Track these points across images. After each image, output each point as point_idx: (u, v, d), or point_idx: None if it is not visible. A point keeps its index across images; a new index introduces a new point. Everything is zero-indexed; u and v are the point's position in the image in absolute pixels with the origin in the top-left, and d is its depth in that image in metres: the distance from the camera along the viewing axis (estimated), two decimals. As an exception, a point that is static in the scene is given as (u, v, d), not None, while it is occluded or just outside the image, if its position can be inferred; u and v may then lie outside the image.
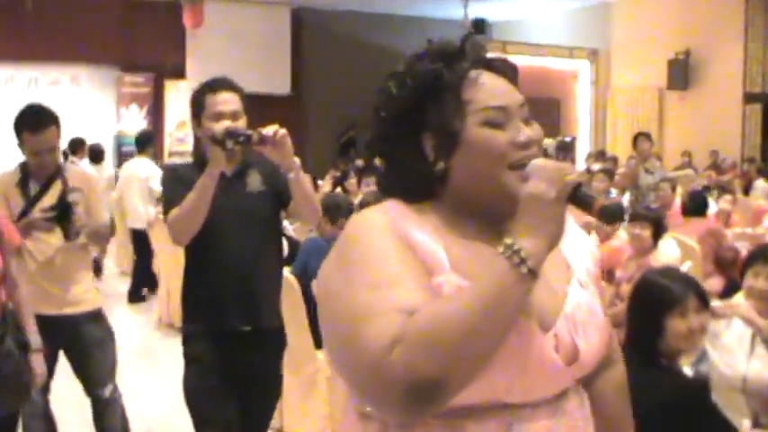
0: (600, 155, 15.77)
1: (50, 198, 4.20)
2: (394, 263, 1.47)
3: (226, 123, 3.42)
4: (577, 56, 21.15)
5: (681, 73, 17.90)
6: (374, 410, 1.51)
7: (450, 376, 1.35)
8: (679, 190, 9.66)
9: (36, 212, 4.14)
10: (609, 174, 10.62)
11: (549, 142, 15.48)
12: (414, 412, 1.39)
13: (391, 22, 20.57)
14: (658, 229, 5.92)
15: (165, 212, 3.58)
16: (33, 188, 4.25)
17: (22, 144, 4.19)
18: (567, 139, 17.69)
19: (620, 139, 15.89)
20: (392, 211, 1.57)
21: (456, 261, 1.51)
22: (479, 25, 19.96)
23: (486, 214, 1.60)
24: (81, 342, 4.40)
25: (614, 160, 14.49)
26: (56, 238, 4.20)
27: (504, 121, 1.57)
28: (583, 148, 19.66)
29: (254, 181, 3.63)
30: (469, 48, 1.65)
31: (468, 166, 1.57)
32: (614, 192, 9.95)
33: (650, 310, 3.08)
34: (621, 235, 6.53)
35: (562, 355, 1.54)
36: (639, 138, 10.53)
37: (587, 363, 1.60)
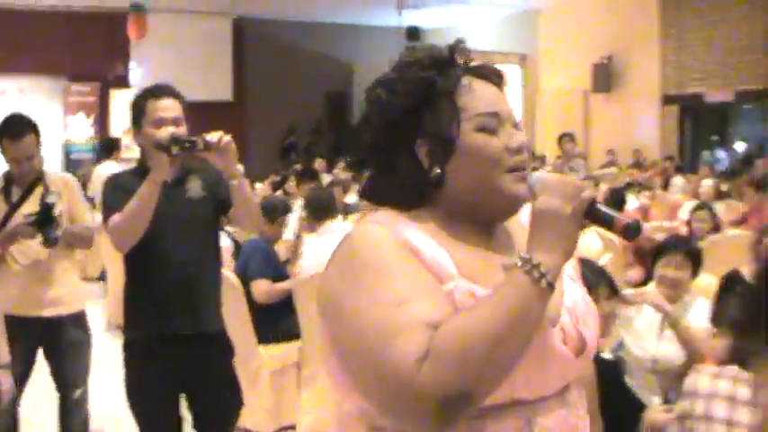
0: (530, 155, 15.95)
1: (32, 205, 4.29)
2: (408, 276, 1.48)
3: (170, 129, 3.42)
4: (507, 61, 21.06)
5: (604, 76, 18.59)
6: (402, 425, 1.47)
7: (478, 387, 1.40)
8: (604, 187, 10.14)
9: (18, 218, 4.25)
10: (538, 173, 11.52)
11: None
12: (444, 424, 1.40)
13: (329, 30, 21.17)
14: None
15: (105, 219, 3.54)
16: (16, 194, 4.36)
17: (3, 152, 4.33)
18: None
19: (549, 140, 15.80)
20: (390, 221, 1.58)
21: (461, 265, 1.55)
22: (413, 33, 20.78)
23: (482, 218, 1.65)
24: (60, 344, 4.47)
25: (542, 159, 15.07)
26: (39, 241, 4.26)
27: (496, 126, 1.61)
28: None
29: (195, 187, 3.61)
30: (458, 55, 1.68)
31: (464, 171, 1.60)
32: None
33: None
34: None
35: (570, 347, 1.59)
36: (563, 138, 10.99)
37: (592, 353, 1.67)
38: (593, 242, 6.62)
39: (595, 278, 3.27)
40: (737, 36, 15.94)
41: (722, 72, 16.34)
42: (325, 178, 11.65)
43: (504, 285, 1.45)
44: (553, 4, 19.50)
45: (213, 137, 3.38)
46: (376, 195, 1.70)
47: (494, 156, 1.59)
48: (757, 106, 17.14)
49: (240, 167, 3.55)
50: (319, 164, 14.92)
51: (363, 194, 1.74)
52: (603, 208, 1.55)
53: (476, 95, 1.62)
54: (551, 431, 1.56)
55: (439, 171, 1.60)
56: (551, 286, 1.45)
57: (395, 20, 19.13)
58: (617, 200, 8.18)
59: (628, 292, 4.27)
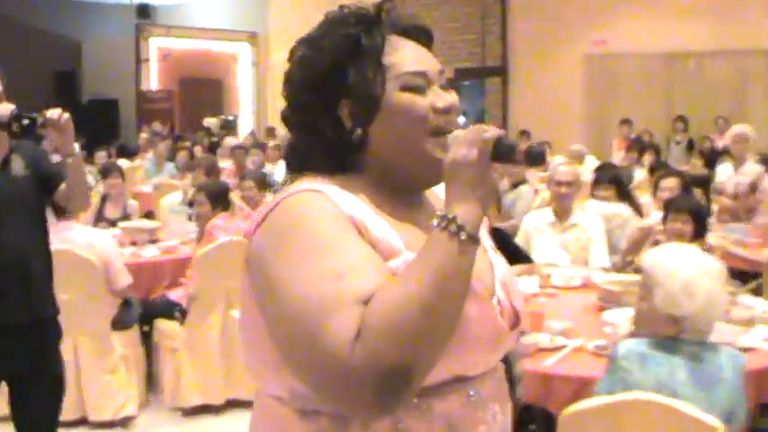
0: (270, 131, 17.16)
1: None
2: (350, 249, 1.40)
3: (10, 106, 3.28)
4: (238, 38, 22.43)
5: None
6: (341, 409, 1.39)
7: (416, 361, 1.31)
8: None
9: None
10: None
11: (212, 121, 14.55)
12: (387, 406, 1.32)
13: (53, 6, 20.25)
14: None
15: None
16: None
17: None
18: (230, 117, 19.41)
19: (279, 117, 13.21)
20: (331, 192, 1.48)
21: (404, 239, 1.49)
22: (144, 10, 20.64)
23: (407, 184, 1.59)
24: None
25: (271, 131, 16.72)
26: None
27: (424, 86, 1.55)
28: (246, 126, 19.36)
29: (18, 166, 3.44)
30: (386, 13, 1.62)
31: (388, 131, 1.54)
32: (269, 165, 11.17)
33: None
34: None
35: (506, 319, 1.57)
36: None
37: (524, 325, 1.66)
38: None
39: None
40: (456, 17, 18.00)
41: (442, 51, 16.77)
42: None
43: (425, 248, 1.37)
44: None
45: (53, 113, 3.32)
46: (296, 160, 1.63)
47: (419, 115, 1.53)
48: (475, 83, 18.10)
49: (77, 145, 3.56)
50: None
51: (287, 159, 1.70)
52: (509, 143, 1.46)
53: (402, 54, 1.57)
54: (488, 402, 1.55)
55: (361, 132, 1.55)
56: (472, 238, 1.37)
57: None
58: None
59: None
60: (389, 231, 1.48)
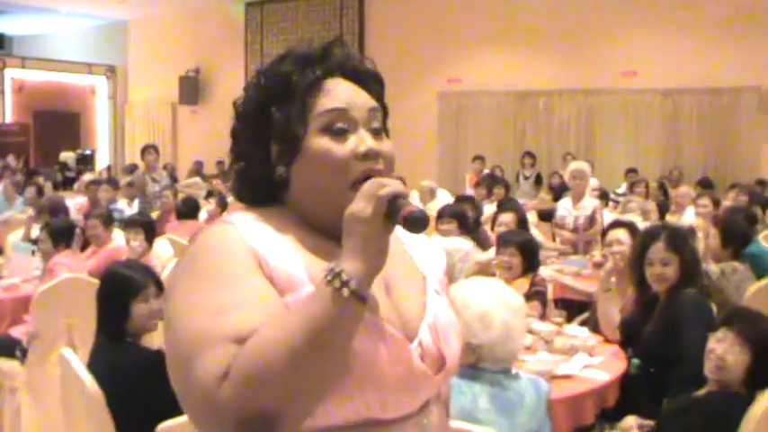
0: (130, 168, 16.04)
1: None
2: (240, 284, 1.41)
3: None
4: (96, 71, 22.25)
5: (192, 89, 19.43)
6: None
7: (282, 408, 1.31)
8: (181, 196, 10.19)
9: None
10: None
11: (69, 155, 14.23)
12: None
13: None
14: (150, 233, 6.40)
15: None
16: None
17: None
18: (87, 151, 19.27)
19: (138, 151, 13.63)
20: (243, 223, 1.50)
21: (313, 273, 1.46)
22: None
23: (328, 229, 1.54)
24: None
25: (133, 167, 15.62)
26: None
27: (345, 128, 1.52)
28: (103, 160, 19.33)
29: None
30: (332, 54, 1.59)
31: (306, 176, 1.52)
32: (123, 201, 10.87)
33: (118, 297, 3.49)
34: (117, 239, 6.78)
35: (428, 363, 1.53)
36: (146, 150, 11.36)
37: (452, 370, 1.62)
38: (166, 250, 6.95)
39: (143, 278, 3.58)
40: None
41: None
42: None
43: (310, 297, 1.38)
44: (141, 16, 19.66)
45: None
46: (234, 189, 1.67)
47: (336, 164, 1.49)
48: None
49: None
50: None
51: (234, 191, 1.69)
52: (406, 203, 1.39)
53: (328, 94, 1.54)
54: None
55: (283, 172, 1.54)
56: (356, 294, 1.33)
57: None
58: (189, 207, 8.48)
59: None
60: (294, 264, 1.47)
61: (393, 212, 1.40)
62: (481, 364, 2.99)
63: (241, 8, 19.50)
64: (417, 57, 16.96)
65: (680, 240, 4.28)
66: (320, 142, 1.51)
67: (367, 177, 1.47)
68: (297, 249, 1.51)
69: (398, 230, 1.46)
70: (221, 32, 19.77)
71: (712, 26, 14.19)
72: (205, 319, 1.38)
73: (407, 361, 1.50)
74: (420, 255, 1.70)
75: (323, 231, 1.56)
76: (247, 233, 1.48)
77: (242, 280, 1.42)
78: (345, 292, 1.33)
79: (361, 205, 1.39)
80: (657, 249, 4.18)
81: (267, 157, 1.57)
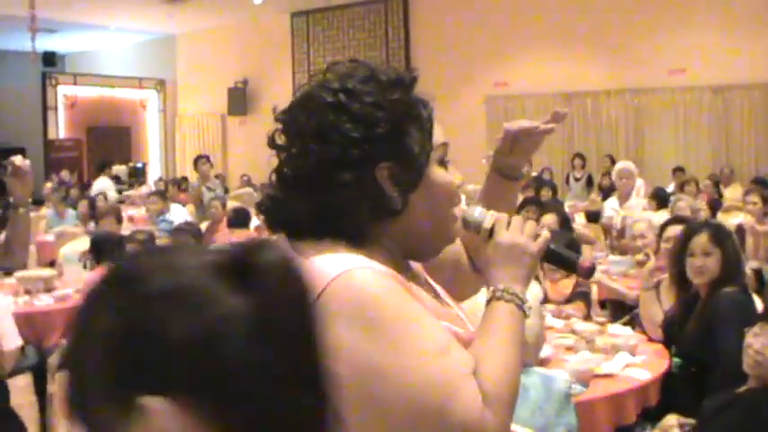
0: (184, 180, 16.42)
1: None
2: (431, 320, 1.42)
3: None
4: (146, 86, 22.72)
5: (240, 100, 19.66)
6: None
7: None
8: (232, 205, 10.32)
9: None
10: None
11: (121, 169, 15.30)
12: None
13: None
14: (198, 241, 6.92)
15: None
16: None
17: None
18: (139, 165, 19.59)
19: (188, 164, 14.48)
20: (369, 263, 1.43)
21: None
22: (50, 58, 20.45)
23: (419, 254, 1.63)
24: None
25: (185, 179, 16.02)
26: None
27: (448, 161, 1.60)
28: (154, 173, 19.45)
29: None
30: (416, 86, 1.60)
31: (426, 203, 1.54)
32: (186, 207, 11.20)
33: None
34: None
35: None
36: (199, 161, 11.54)
37: None
38: None
39: None
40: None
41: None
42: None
43: (503, 319, 1.51)
44: (189, 30, 19.94)
45: (18, 160, 3.32)
46: (310, 227, 1.49)
47: (452, 192, 1.59)
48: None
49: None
50: None
51: (275, 220, 1.56)
52: (559, 249, 1.68)
53: (435, 126, 1.58)
54: None
55: (402, 199, 1.50)
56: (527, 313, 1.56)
57: (28, 44, 16.44)
58: (241, 217, 8.54)
59: None
60: (426, 299, 1.53)
61: (553, 257, 1.67)
62: None
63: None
64: (463, 62, 16.95)
65: (723, 235, 4.25)
66: (441, 173, 1.57)
67: (456, 203, 1.63)
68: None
69: None
70: (268, 43, 19.90)
71: (761, 20, 13.98)
72: (437, 362, 1.37)
73: None
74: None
75: (407, 257, 1.62)
76: (389, 272, 1.44)
77: (429, 316, 1.44)
78: (527, 307, 1.56)
79: (522, 240, 1.59)
80: (700, 241, 4.16)
81: (374, 184, 1.49)
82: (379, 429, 1.37)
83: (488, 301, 1.57)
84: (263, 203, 1.58)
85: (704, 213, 9.04)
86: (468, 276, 1.94)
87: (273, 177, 1.56)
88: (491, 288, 1.58)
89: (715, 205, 10.03)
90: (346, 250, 1.45)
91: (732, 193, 11.78)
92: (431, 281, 1.74)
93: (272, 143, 1.57)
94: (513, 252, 1.57)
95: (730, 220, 8.51)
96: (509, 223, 1.63)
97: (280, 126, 1.58)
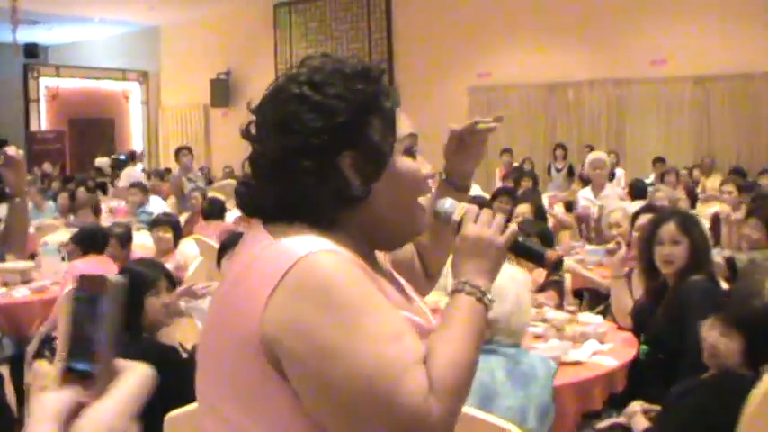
0: (167, 171, 16.42)
1: None
2: (387, 306, 1.46)
3: None
4: (129, 77, 22.92)
5: (223, 92, 19.70)
6: None
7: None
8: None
9: None
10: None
11: (104, 161, 15.09)
12: None
13: None
14: (177, 231, 6.73)
15: None
16: None
17: None
18: (122, 156, 19.04)
19: (172, 154, 13.81)
20: (332, 246, 1.47)
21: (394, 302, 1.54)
22: (32, 50, 20.26)
23: (388, 240, 1.67)
24: None
25: (168, 171, 16.08)
26: None
27: (415, 152, 1.63)
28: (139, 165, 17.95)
29: None
30: (385, 78, 1.66)
31: (391, 192, 1.57)
32: (168, 199, 11.18)
33: (132, 293, 3.47)
34: (143, 240, 7.09)
35: None
36: (180, 152, 11.63)
37: None
38: (191, 249, 6.91)
39: (154, 272, 3.80)
40: (342, 53, 17.91)
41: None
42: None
43: (462, 312, 1.54)
44: (172, 21, 19.92)
45: (11, 150, 3.34)
46: (276, 207, 1.55)
47: (418, 181, 1.63)
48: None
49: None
50: None
51: (248, 206, 1.61)
52: (528, 242, 1.72)
53: (401, 118, 1.63)
54: None
55: (365, 188, 1.54)
56: (490, 306, 1.59)
57: (10, 36, 16.52)
58: (216, 208, 8.38)
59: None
60: (386, 290, 1.55)
61: (521, 249, 1.70)
62: (495, 338, 3.09)
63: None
64: (446, 53, 17.01)
65: (691, 223, 4.29)
66: (406, 162, 1.61)
67: (425, 193, 1.68)
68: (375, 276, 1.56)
69: None
70: (250, 34, 19.90)
71: (742, 11, 14.07)
72: (388, 347, 1.40)
73: None
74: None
75: (375, 246, 1.66)
76: (350, 256, 1.49)
77: (387, 304, 1.47)
78: (486, 300, 1.59)
79: (490, 233, 1.63)
80: (668, 229, 4.20)
81: (337, 173, 1.54)
82: (328, 407, 1.41)
83: (451, 293, 1.60)
84: (238, 190, 1.63)
85: (683, 203, 9.12)
86: (420, 280, 1.99)
87: (247, 165, 1.63)
88: (454, 280, 1.61)
89: (694, 195, 10.08)
90: (314, 234, 1.49)
91: (712, 183, 11.84)
92: (396, 274, 1.77)
93: (245, 134, 1.63)
94: (478, 245, 1.61)
95: (708, 210, 8.58)
96: (477, 216, 1.66)
97: (254, 118, 1.64)
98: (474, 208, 1.67)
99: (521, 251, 1.70)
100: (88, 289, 0.96)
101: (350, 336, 1.39)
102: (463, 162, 2.02)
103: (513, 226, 1.65)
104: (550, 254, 1.71)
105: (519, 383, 3.01)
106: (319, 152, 1.52)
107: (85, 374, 0.94)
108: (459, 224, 1.68)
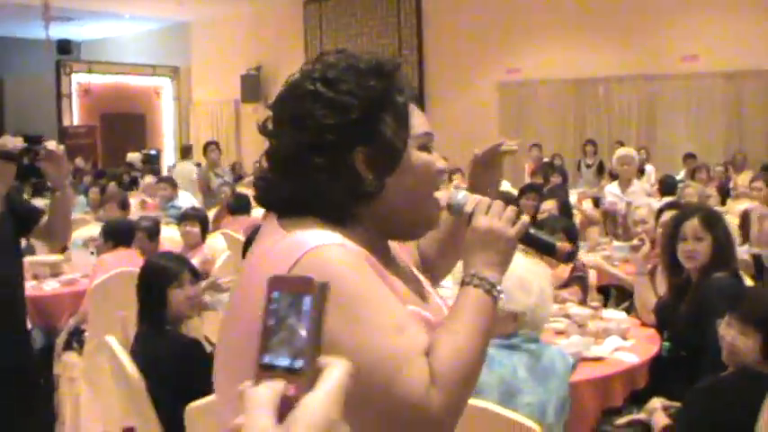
0: (197, 165, 15.72)
1: None
2: (393, 300, 1.48)
3: (19, 138, 3.32)
4: (160, 73, 22.84)
5: (253, 87, 19.52)
6: None
7: (467, 403, 1.49)
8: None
9: None
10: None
11: (135, 156, 14.72)
12: None
13: None
14: (205, 226, 6.85)
15: None
16: None
17: None
18: (152, 152, 19.35)
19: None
20: (342, 241, 1.50)
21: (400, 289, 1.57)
22: (65, 46, 20.40)
23: (401, 235, 1.71)
24: None
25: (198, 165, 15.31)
26: None
27: (431, 148, 1.66)
28: (169, 160, 19.48)
29: None
30: (401, 72, 1.67)
31: (404, 186, 1.60)
32: (184, 195, 10.94)
33: (155, 286, 3.72)
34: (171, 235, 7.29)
35: None
36: (208, 147, 11.67)
37: None
38: (219, 243, 7.20)
39: (178, 266, 3.88)
40: (373, 49, 18.20)
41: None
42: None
43: (469, 304, 1.55)
44: (202, 17, 19.98)
45: (52, 145, 3.37)
46: (292, 201, 1.59)
47: (434, 175, 1.65)
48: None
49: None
50: None
51: (265, 200, 1.65)
52: (539, 234, 1.71)
53: (415, 115, 1.65)
54: None
55: (378, 184, 1.57)
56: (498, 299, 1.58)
57: (44, 33, 16.99)
58: (242, 203, 8.42)
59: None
60: (396, 286, 1.56)
61: (532, 241, 1.69)
62: (520, 331, 3.15)
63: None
64: (476, 49, 16.93)
65: (714, 220, 4.27)
66: (422, 157, 1.62)
67: (439, 188, 1.68)
68: (385, 267, 1.57)
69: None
70: (281, 30, 19.86)
71: (774, 6, 13.92)
72: (390, 339, 1.41)
73: None
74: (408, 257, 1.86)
75: (388, 240, 1.69)
76: (358, 251, 1.50)
77: (392, 297, 1.48)
78: (501, 299, 1.58)
79: (501, 225, 1.62)
80: (691, 225, 4.18)
81: (349, 168, 1.56)
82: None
83: (460, 286, 1.60)
84: (256, 183, 1.66)
85: (714, 200, 9.06)
86: None
87: (264, 160, 1.65)
88: (464, 272, 1.61)
89: (725, 192, 10.01)
90: (324, 228, 1.51)
91: (744, 180, 11.75)
92: (416, 271, 1.80)
93: (262, 129, 1.64)
94: (488, 237, 1.60)
95: (738, 207, 8.52)
96: (489, 207, 1.66)
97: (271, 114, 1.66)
98: (486, 199, 1.67)
99: (532, 243, 1.70)
100: (290, 289, 0.99)
101: (351, 326, 1.40)
102: (484, 180, 2.05)
103: (524, 217, 1.65)
104: (561, 246, 1.71)
105: (539, 379, 3.05)
106: (332, 148, 1.54)
107: (291, 370, 0.97)
108: (471, 216, 1.68)
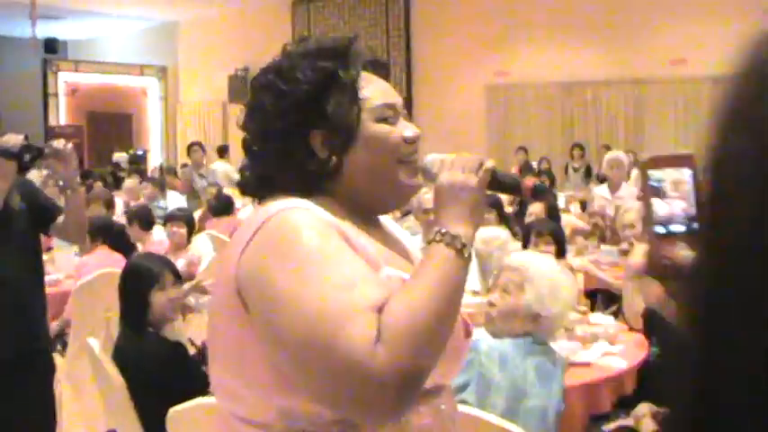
0: (183, 166, 15.92)
1: None
2: (350, 261, 1.46)
3: (20, 136, 3.32)
4: (147, 73, 22.84)
5: (241, 88, 18.95)
6: (358, 415, 1.44)
7: (428, 365, 1.40)
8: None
9: None
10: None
11: (122, 156, 14.47)
12: (403, 407, 1.41)
13: None
14: (189, 227, 6.74)
15: None
16: None
17: None
18: (139, 152, 19.22)
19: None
20: (313, 207, 1.55)
21: (380, 254, 1.59)
22: (52, 45, 20.15)
23: (374, 208, 1.73)
24: None
25: (184, 166, 15.25)
26: None
27: (393, 118, 1.67)
28: (155, 160, 19.34)
29: (15, 199, 3.39)
30: (357, 49, 1.70)
31: (362, 160, 1.63)
32: (170, 195, 10.95)
33: (137, 288, 3.65)
34: (158, 235, 7.11)
35: (462, 330, 1.72)
36: (191, 148, 11.82)
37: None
38: (204, 244, 7.01)
39: (160, 267, 3.77)
40: None
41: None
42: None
43: (432, 260, 1.49)
44: (191, 17, 19.86)
45: (59, 143, 3.39)
46: (260, 186, 1.68)
47: (392, 146, 1.64)
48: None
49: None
50: None
51: (245, 185, 1.73)
52: (503, 175, 1.67)
53: (373, 87, 1.67)
54: (452, 415, 1.67)
55: (336, 161, 1.62)
56: (470, 257, 1.52)
57: (30, 31, 16.64)
58: (224, 204, 8.42)
59: None
60: (369, 246, 1.57)
61: (498, 183, 1.65)
62: (536, 333, 3.14)
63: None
64: (464, 51, 16.94)
65: None
66: (378, 130, 1.64)
67: (410, 157, 1.68)
68: (360, 234, 1.59)
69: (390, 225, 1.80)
70: (269, 31, 19.60)
71: (761, 10, 13.91)
72: (336, 294, 1.39)
73: (458, 329, 1.64)
74: (403, 236, 1.87)
75: (366, 211, 1.70)
76: (323, 215, 1.54)
77: (348, 256, 1.48)
78: (466, 252, 1.51)
79: (462, 176, 1.58)
80: None
81: (308, 148, 1.63)
82: (276, 356, 1.45)
83: (426, 244, 1.58)
84: (240, 174, 1.77)
85: (700, 204, 8.99)
86: None
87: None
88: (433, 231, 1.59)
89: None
90: (303, 200, 1.58)
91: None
92: (401, 237, 1.84)
93: (239, 124, 1.76)
94: (452, 191, 1.58)
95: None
96: (453, 164, 1.65)
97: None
98: (450, 157, 1.64)
99: (498, 187, 1.70)
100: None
101: (296, 283, 1.41)
102: None
103: (488, 163, 1.61)
104: (526, 181, 1.70)
105: (543, 382, 3.05)
106: (285, 134, 1.63)
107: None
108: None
